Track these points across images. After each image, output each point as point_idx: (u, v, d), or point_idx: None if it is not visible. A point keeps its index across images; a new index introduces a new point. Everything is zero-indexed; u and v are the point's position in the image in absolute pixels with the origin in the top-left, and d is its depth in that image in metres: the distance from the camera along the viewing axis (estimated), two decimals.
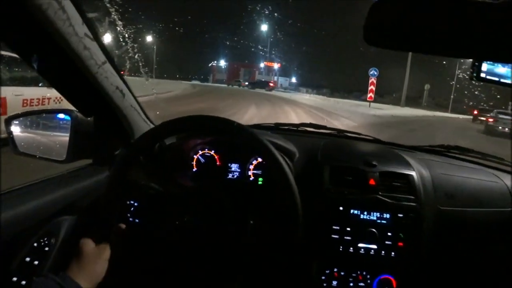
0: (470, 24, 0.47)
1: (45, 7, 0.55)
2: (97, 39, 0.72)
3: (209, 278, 0.76)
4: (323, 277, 0.92)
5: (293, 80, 61.84)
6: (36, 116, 0.87)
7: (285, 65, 62.61)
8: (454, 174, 1.03)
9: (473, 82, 0.66)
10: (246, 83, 34.29)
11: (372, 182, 0.91)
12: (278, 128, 1.28)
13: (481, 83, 0.69)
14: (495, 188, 1.01)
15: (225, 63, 62.16)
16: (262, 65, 53.68)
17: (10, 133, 0.84)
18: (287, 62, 63.96)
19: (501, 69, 0.63)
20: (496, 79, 0.63)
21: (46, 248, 0.74)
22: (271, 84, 33.14)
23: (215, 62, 63.38)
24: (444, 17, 0.48)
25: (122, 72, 0.88)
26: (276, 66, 54.34)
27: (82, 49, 0.67)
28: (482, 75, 0.63)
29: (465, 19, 0.47)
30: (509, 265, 0.94)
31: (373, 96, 17.28)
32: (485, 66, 0.63)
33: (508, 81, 0.63)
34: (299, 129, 1.29)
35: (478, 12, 0.47)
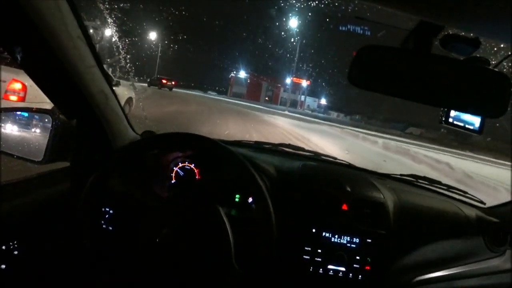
0: (442, 76, 0.64)
1: (40, 5, 0.68)
2: (90, 43, 0.87)
3: None
4: None
5: (323, 101, 62.19)
6: (17, 114, 1.00)
7: (315, 84, 63.30)
8: (421, 203, 1.23)
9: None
10: (148, 80, 32.07)
11: (344, 207, 1.09)
12: (257, 147, 1.47)
13: None
14: (457, 219, 1.21)
15: (245, 75, 63.38)
16: (288, 80, 54.06)
17: None
18: (317, 81, 64.59)
19: (466, 116, 0.79)
20: (462, 124, 0.79)
21: (15, 252, 0.85)
22: (164, 81, 31.23)
23: (235, 72, 64.53)
24: (420, 68, 0.65)
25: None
26: (304, 83, 54.63)
27: (72, 50, 0.81)
28: (450, 120, 0.79)
29: (437, 72, 0.64)
30: None
31: None
32: (453, 113, 0.79)
33: (471, 127, 0.79)
34: (277, 149, 1.49)
35: (449, 66, 0.64)
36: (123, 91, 7.46)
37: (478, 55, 0.65)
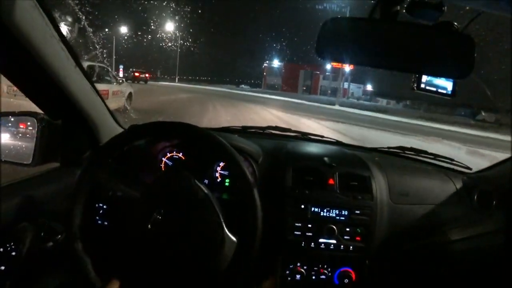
0: (409, 43, 0.69)
1: (15, 10, 0.75)
2: (66, 43, 0.96)
3: (179, 275, 0.94)
4: (287, 272, 1.21)
5: (368, 87, 60.15)
6: (1, 119, 1.09)
7: (359, 67, 60.87)
8: (408, 173, 1.34)
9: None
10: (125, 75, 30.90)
11: (331, 181, 1.21)
12: (245, 131, 1.59)
13: None
14: (444, 186, 1.32)
15: (279, 64, 62.64)
16: (328, 66, 52.36)
17: None
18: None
19: (438, 80, 0.85)
20: (434, 89, 0.85)
21: (13, 253, 0.94)
22: (137, 74, 31.83)
23: (267, 62, 63.99)
24: (387, 36, 0.70)
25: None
26: (347, 68, 52.39)
27: (51, 52, 0.90)
28: (422, 85, 0.85)
29: (404, 39, 0.69)
30: (453, 253, 1.24)
31: None
32: (424, 78, 0.84)
33: (444, 91, 0.85)
34: (265, 131, 1.61)
35: (416, 32, 0.69)
36: (126, 88, 9.69)
37: (444, 20, 0.70)
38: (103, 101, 1.18)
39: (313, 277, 1.23)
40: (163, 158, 1.30)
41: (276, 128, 1.64)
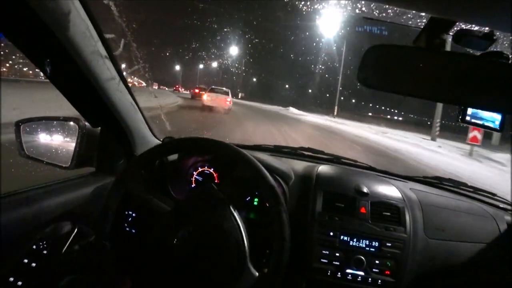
0: (455, 73, 0.65)
1: (69, 27, 0.78)
2: (113, 59, 0.98)
3: None
4: None
5: None
6: (46, 122, 1.12)
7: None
8: (445, 206, 1.22)
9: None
10: None
11: (363, 210, 1.13)
12: (277, 151, 1.54)
13: None
14: (484, 223, 1.20)
15: None
16: None
17: (19, 136, 1.07)
18: None
19: (485, 113, 0.78)
20: (481, 122, 0.78)
21: (45, 251, 0.94)
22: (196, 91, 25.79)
23: None
24: (431, 65, 0.66)
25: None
26: None
27: (97, 66, 0.92)
28: (467, 118, 0.79)
29: (450, 69, 0.65)
30: None
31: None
32: (470, 110, 0.79)
33: (491, 125, 0.78)
34: (297, 152, 1.55)
35: (462, 63, 0.64)
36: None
37: (495, 50, 0.63)
38: (142, 113, 1.19)
39: None
40: (194, 173, 1.28)
41: (309, 149, 1.58)
